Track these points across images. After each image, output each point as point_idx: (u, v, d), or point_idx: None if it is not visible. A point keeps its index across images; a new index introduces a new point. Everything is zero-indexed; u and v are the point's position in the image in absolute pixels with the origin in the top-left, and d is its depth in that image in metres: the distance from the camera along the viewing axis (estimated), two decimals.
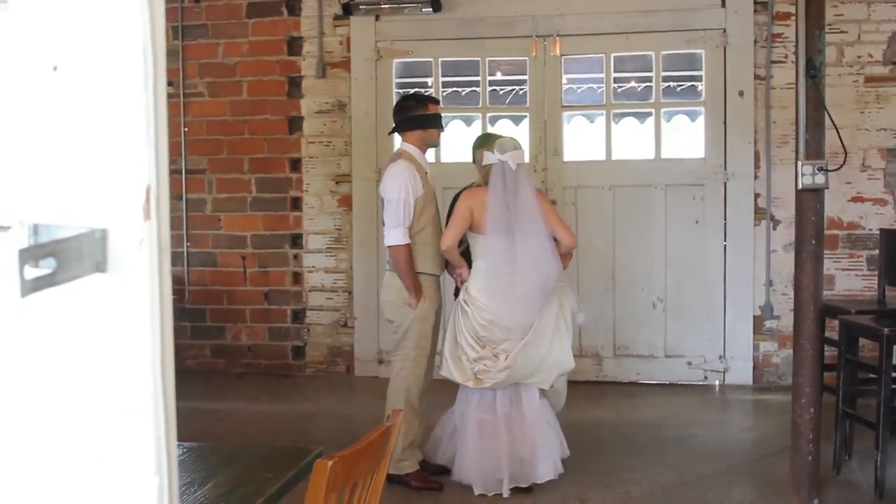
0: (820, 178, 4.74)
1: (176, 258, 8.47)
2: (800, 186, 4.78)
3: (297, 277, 8.41)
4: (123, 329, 1.07)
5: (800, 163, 4.77)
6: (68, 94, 1.09)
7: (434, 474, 5.57)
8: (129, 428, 1.08)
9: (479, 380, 5.34)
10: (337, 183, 8.28)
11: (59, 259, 1.01)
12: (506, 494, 5.24)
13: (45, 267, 1.01)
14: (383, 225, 5.52)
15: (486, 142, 5.60)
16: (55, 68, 1.09)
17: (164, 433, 1.11)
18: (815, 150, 4.80)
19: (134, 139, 1.07)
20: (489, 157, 5.40)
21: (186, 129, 8.44)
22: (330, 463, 2.35)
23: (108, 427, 1.08)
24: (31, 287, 0.98)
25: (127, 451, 1.09)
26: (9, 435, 1.08)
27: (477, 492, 5.28)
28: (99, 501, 1.07)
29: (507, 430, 5.36)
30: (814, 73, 4.75)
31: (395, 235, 5.39)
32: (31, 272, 0.98)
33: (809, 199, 4.82)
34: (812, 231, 4.82)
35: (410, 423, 5.46)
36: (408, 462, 5.48)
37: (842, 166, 4.89)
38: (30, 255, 0.98)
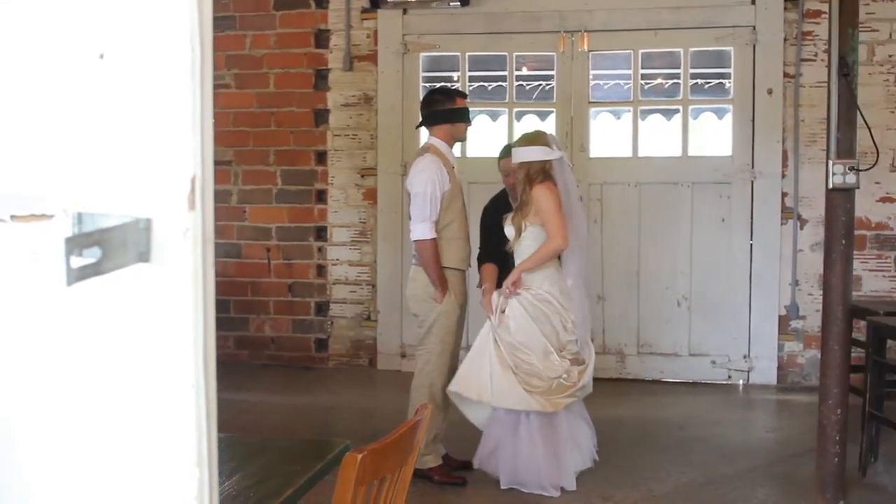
0: (851, 178, 4.69)
1: None
2: (830, 186, 4.73)
3: (322, 270, 8.41)
4: (166, 320, 1.07)
5: (831, 162, 4.73)
6: (114, 82, 1.08)
7: (457, 469, 5.57)
8: (170, 420, 1.08)
9: (556, 402, 5.22)
10: (362, 176, 8.27)
11: (104, 248, 1.01)
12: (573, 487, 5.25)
13: (90, 256, 1.00)
14: (409, 219, 5.50)
15: (537, 137, 5.46)
16: (102, 56, 1.08)
17: (206, 426, 1.10)
18: (846, 150, 4.75)
19: (180, 129, 1.07)
20: (551, 153, 5.34)
21: (214, 122, 8.44)
22: (360, 456, 2.35)
23: (150, 418, 1.07)
24: (77, 276, 0.97)
25: (169, 443, 1.08)
26: (52, 424, 1.08)
27: (553, 494, 5.21)
28: (141, 492, 1.07)
29: (568, 426, 5.34)
30: (846, 71, 4.71)
31: (421, 230, 5.37)
32: (77, 261, 0.98)
33: (839, 199, 4.78)
34: (842, 231, 4.78)
35: (434, 418, 5.44)
36: (431, 456, 5.48)
37: (873, 166, 4.84)
38: (75, 243, 0.98)
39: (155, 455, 1.08)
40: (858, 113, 4.79)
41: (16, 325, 1.08)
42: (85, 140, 1.09)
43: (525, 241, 5.32)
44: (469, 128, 5.72)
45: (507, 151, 5.74)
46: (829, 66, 4.84)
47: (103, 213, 1.07)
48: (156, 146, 1.07)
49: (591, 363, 5.33)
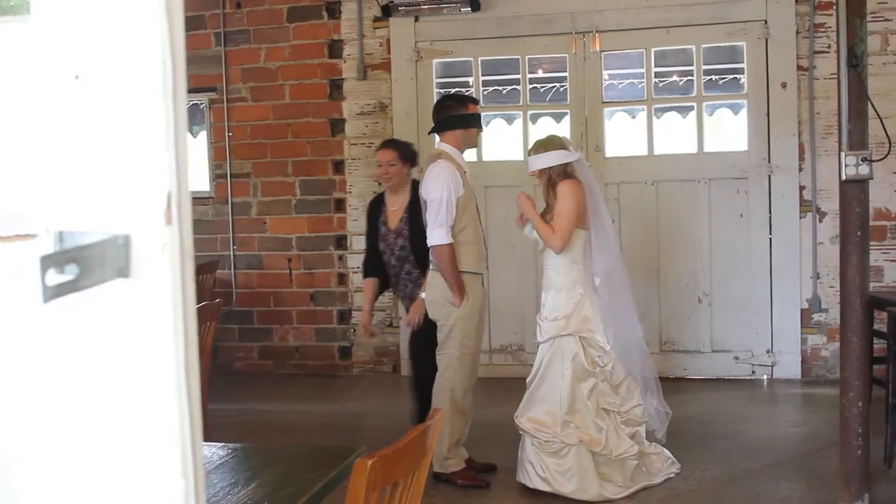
0: (864, 169, 4.67)
1: (223, 261, 8.57)
2: (843, 177, 4.71)
3: (343, 278, 8.46)
4: (147, 333, 1.09)
5: (843, 153, 4.71)
6: (90, 102, 1.11)
7: (480, 472, 5.58)
8: (154, 432, 1.10)
9: (636, 476, 5.26)
10: (380, 184, 8.28)
11: (82, 265, 1.03)
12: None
13: (69, 273, 1.03)
14: (425, 225, 5.51)
15: (551, 142, 5.43)
16: (77, 77, 1.11)
17: (190, 436, 1.12)
18: (858, 141, 4.73)
19: (154, 146, 1.09)
20: (570, 155, 5.33)
21: (231, 134, 8.53)
22: (370, 462, 2.36)
23: (134, 431, 1.09)
24: (53, 293, 1.00)
25: (152, 455, 1.10)
26: (33, 442, 1.11)
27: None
28: None
29: None
30: (856, 62, 4.69)
31: (438, 235, 5.39)
32: (53, 278, 1.01)
33: (854, 190, 4.76)
34: (857, 223, 4.76)
35: (455, 422, 5.47)
36: (453, 461, 5.50)
37: (886, 156, 4.82)
38: (52, 261, 1.00)
39: (140, 467, 1.10)
40: (869, 103, 4.76)
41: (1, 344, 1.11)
42: (64, 160, 1.12)
43: None
44: (481, 133, 5.75)
45: (382, 144, 6.22)
46: (837, 58, 4.81)
47: (84, 231, 1.09)
48: (132, 164, 1.09)
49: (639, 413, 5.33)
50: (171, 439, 1.11)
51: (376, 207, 6.22)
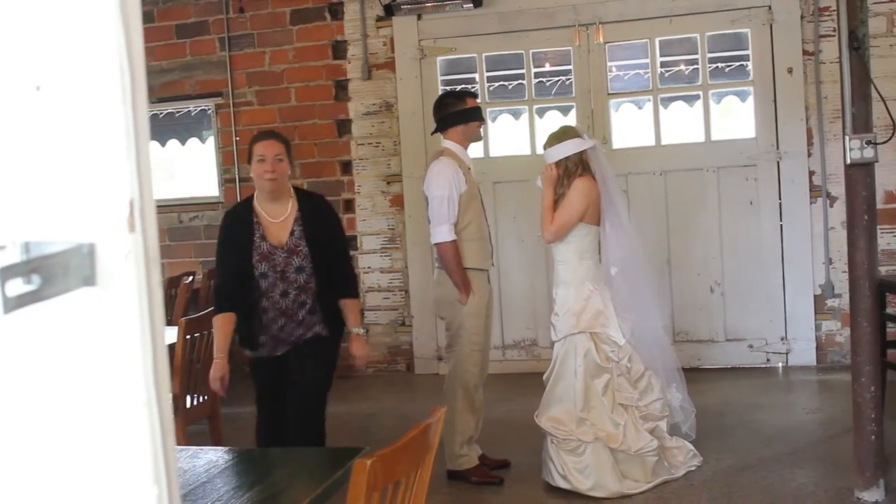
0: (869, 152, 4.64)
1: None
2: (848, 161, 4.68)
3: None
4: (114, 340, 1.10)
5: (847, 137, 4.68)
6: (51, 112, 1.11)
7: (494, 468, 5.58)
8: (124, 440, 1.10)
9: (656, 471, 5.23)
10: (388, 183, 8.32)
11: (44, 275, 1.04)
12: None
13: (32, 283, 1.03)
14: (429, 223, 5.52)
15: (566, 133, 5.39)
16: (38, 88, 1.11)
17: (161, 442, 1.12)
18: (862, 124, 4.70)
19: (115, 154, 1.09)
20: (584, 143, 5.30)
21: (238, 139, 8.54)
22: (369, 462, 2.37)
23: (104, 440, 1.10)
24: (15, 304, 1.00)
25: (125, 462, 1.11)
26: (5, 450, 1.11)
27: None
28: None
29: None
30: (857, 45, 4.66)
31: (441, 233, 5.39)
32: (15, 288, 1.01)
33: (859, 174, 4.73)
34: (864, 206, 4.73)
35: (467, 420, 5.47)
36: (466, 458, 5.50)
37: (891, 138, 4.78)
38: (12, 272, 1.01)
39: (111, 475, 1.11)
40: (873, 86, 4.73)
41: None
42: (29, 170, 1.12)
43: (567, 237, 5.29)
44: (483, 126, 5.73)
45: (264, 134, 4.97)
46: (839, 41, 4.78)
47: (49, 241, 1.10)
48: (94, 172, 1.10)
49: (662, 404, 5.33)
50: (142, 446, 1.11)
51: (241, 220, 4.88)
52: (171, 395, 1.13)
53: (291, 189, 4.91)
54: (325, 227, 4.89)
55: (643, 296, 5.45)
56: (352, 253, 8.38)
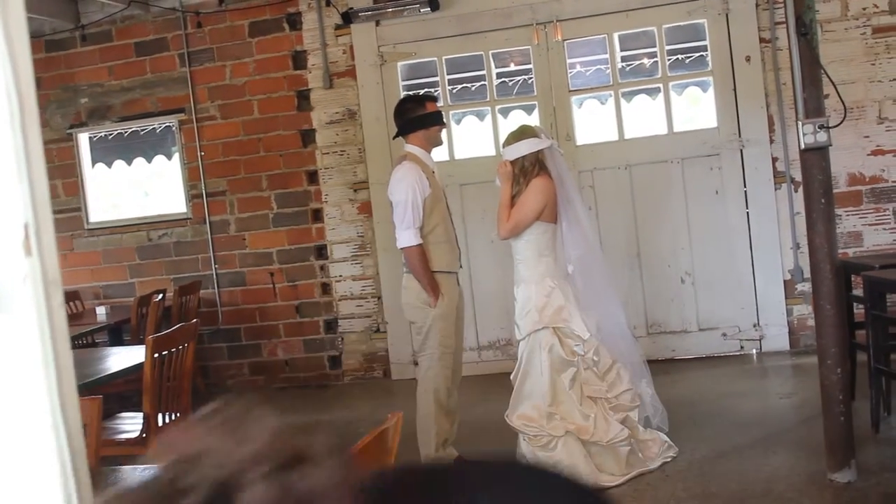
0: (822, 136, 4.67)
1: (206, 281, 8.57)
2: (802, 146, 4.71)
3: (326, 288, 8.46)
4: (15, 364, 1.10)
5: (800, 123, 4.71)
6: None
7: None
8: (32, 466, 1.11)
9: (631, 462, 5.25)
10: (355, 191, 8.32)
11: None
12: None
13: None
14: (394, 228, 5.52)
15: (523, 132, 5.45)
16: None
17: (71, 464, 1.12)
18: (814, 109, 4.74)
19: (6, 179, 1.09)
20: (541, 143, 5.33)
21: (203, 154, 8.53)
22: None
23: (9, 467, 1.10)
24: None
25: (35, 488, 1.11)
26: None
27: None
28: None
29: None
30: (804, 30, 4.69)
31: (406, 237, 5.40)
32: None
33: (814, 159, 4.76)
34: (820, 190, 4.76)
35: (441, 423, 5.47)
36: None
37: (840, 123, 4.81)
38: None
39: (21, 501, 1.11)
40: (823, 71, 4.76)
41: None
42: None
43: (525, 235, 5.33)
44: (443, 130, 5.74)
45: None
46: (786, 27, 4.82)
47: None
48: None
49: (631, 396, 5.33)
50: (51, 469, 1.11)
51: None
52: (79, 418, 1.13)
53: None
54: None
55: (603, 292, 5.48)
56: (323, 262, 8.40)
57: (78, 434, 1.15)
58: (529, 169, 5.31)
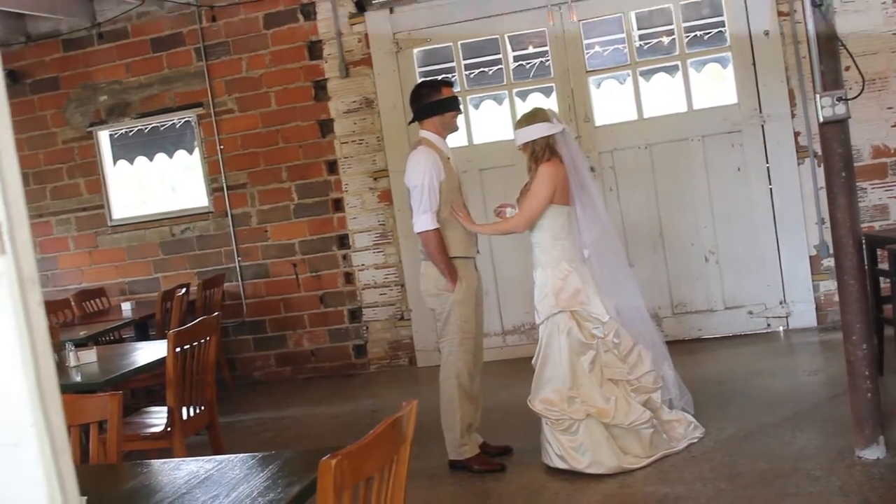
0: (840, 109, 4.60)
1: (230, 274, 8.60)
2: (821, 119, 4.65)
3: (349, 277, 8.47)
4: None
5: (818, 96, 4.65)
6: None
7: (496, 455, 5.57)
8: (15, 461, 1.10)
9: (655, 444, 5.22)
10: (375, 179, 8.31)
11: None
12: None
13: None
14: (411, 214, 5.50)
15: (535, 115, 5.40)
16: None
17: (54, 461, 1.12)
18: (832, 81, 4.67)
19: None
20: (552, 127, 5.29)
21: (222, 147, 8.54)
22: (334, 462, 2.35)
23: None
24: None
25: (17, 484, 1.10)
26: None
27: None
28: None
29: None
30: (819, 2, 4.62)
31: (423, 221, 5.38)
32: None
33: (834, 131, 4.69)
34: (841, 163, 4.69)
35: (465, 408, 5.46)
36: (468, 447, 5.48)
37: (859, 94, 4.74)
38: None
39: (6, 497, 1.10)
40: (840, 43, 4.69)
41: None
42: None
43: (540, 220, 5.29)
44: (459, 116, 5.70)
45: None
46: (802, 1, 4.75)
47: None
48: None
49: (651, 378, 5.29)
50: (33, 466, 1.10)
51: None
52: (62, 416, 1.12)
53: None
54: None
55: (619, 274, 5.45)
56: (345, 252, 8.40)
57: (61, 431, 1.14)
58: (540, 154, 5.28)
